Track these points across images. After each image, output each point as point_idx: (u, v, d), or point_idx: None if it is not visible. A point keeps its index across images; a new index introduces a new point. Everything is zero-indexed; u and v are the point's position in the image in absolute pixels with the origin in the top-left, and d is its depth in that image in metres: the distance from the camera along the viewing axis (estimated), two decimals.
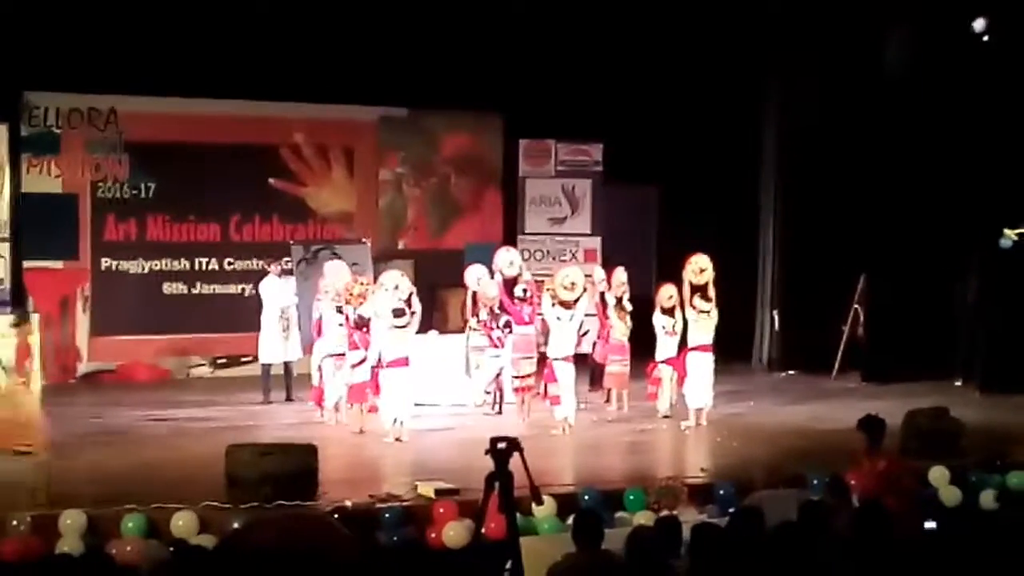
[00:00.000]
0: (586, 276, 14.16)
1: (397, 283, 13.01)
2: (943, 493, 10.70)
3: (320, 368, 13.69)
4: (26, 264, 16.37)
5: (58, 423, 12.51)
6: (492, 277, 14.41)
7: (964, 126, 16.51)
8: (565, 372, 13.11)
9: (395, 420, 12.58)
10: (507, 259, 14.59)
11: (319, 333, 13.83)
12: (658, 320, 13.91)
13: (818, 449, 12.14)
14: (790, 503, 7.80)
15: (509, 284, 14.27)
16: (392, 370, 12.61)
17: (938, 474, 10.91)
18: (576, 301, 13.26)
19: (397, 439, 12.52)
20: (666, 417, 13.79)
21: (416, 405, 13.73)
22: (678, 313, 13.85)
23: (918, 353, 16.37)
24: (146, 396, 15.46)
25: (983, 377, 16.02)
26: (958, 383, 16.28)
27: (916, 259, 16.79)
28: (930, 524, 7.39)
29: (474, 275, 14.69)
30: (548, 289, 13.49)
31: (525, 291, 13.92)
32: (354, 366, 13.09)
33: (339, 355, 13.39)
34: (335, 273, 13.73)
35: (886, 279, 17.04)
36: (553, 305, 13.26)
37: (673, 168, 18.55)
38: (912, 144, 16.71)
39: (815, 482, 10.33)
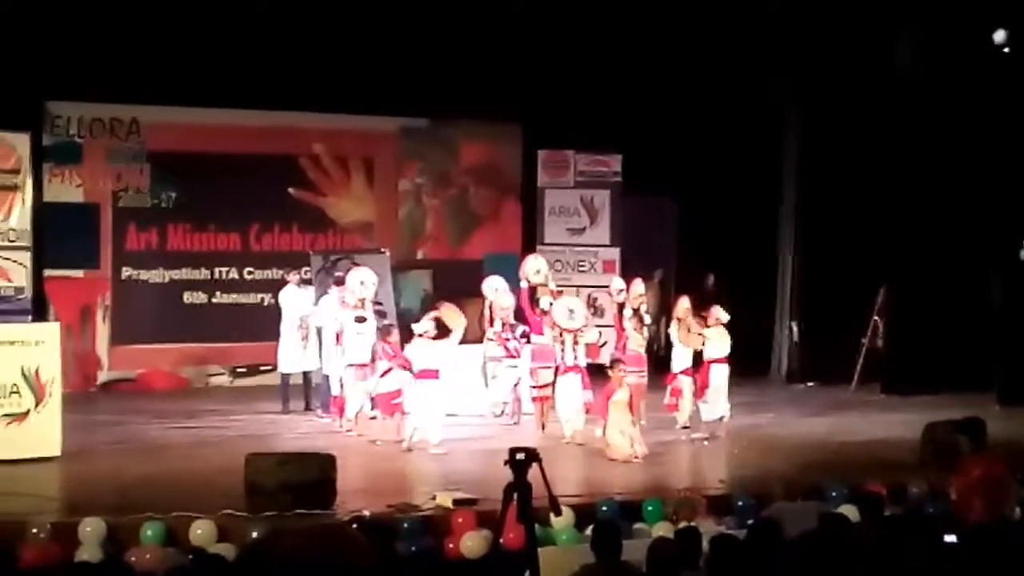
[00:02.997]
0: (604, 287, 14.15)
1: (362, 279, 13.19)
2: None
3: (341, 378, 13.68)
4: (47, 273, 16.43)
5: (78, 431, 12.55)
6: (519, 284, 14.39)
7: (983, 136, 16.48)
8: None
9: (415, 431, 12.57)
10: (534, 267, 14.56)
11: (338, 342, 13.84)
12: (674, 331, 13.90)
13: (837, 461, 12.12)
14: (809, 515, 7.78)
15: (533, 292, 14.27)
16: (421, 382, 12.64)
17: None
18: (580, 329, 13.31)
19: (408, 449, 12.48)
20: (685, 428, 13.76)
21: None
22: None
23: (938, 365, 16.30)
24: (165, 405, 15.50)
25: (1002, 389, 15.94)
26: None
27: (936, 270, 16.74)
28: (950, 538, 7.34)
29: (491, 286, 14.69)
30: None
31: (551, 304, 13.99)
32: (382, 375, 13.11)
33: (361, 365, 13.42)
34: (358, 281, 13.74)
35: (906, 290, 16.98)
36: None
37: (692, 179, 18.54)
38: (932, 155, 16.66)
39: (834, 494, 10.32)
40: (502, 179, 19.20)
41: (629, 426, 12.27)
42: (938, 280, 16.73)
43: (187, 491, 10.43)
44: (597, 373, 13.55)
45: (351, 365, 13.47)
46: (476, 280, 15.45)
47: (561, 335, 13.35)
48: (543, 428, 13.60)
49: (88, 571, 7.50)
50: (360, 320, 13.40)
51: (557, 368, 13.57)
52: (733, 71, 17.37)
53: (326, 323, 14.39)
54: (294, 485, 9.74)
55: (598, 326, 14.79)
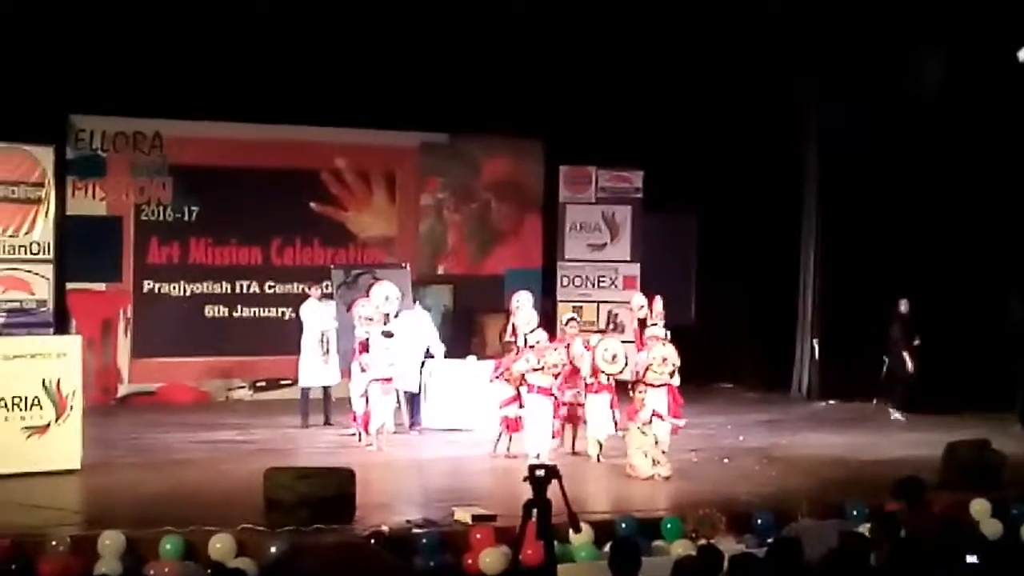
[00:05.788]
0: (624, 303, 14.09)
1: (387, 294, 13.34)
2: (984, 526, 10.59)
3: (365, 393, 13.64)
4: (69, 286, 16.50)
5: (98, 444, 12.59)
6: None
7: (1004, 147, 16.41)
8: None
9: (537, 453, 12.33)
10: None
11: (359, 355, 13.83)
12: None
13: (858, 480, 12.06)
14: (830, 534, 7.75)
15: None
16: (534, 397, 12.63)
17: (979, 507, 10.81)
18: (620, 372, 13.14)
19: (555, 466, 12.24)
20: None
21: (453, 430, 13.77)
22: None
23: (960, 383, 16.22)
24: (186, 418, 15.54)
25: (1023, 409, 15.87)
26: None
27: (959, 288, 16.67)
28: (971, 558, 7.29)
29: (515, 301, 14.42)
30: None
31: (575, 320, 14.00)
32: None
33: (386, 379, 13.44)
34: (382, 296, 13.75)
35: (929, 308, 16.90)
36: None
37: (713, 196, 18.53)
38: (953, 172, 16.61)
39: (855, 513, 10.27)
40: (523, 194, 19.22)
41: (652, 447, 12.22)
42: (961, 297, 16.65)
43: (206, 505, 10.45)
44: (619, 389, 13.48)
45: (376, 380, 13.46)
46: (497, 295, 15.45)
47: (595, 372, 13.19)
48: (572, 445, 13.49)
49: None
50: (387, 335, 13.42)
51: (585, 385, 13.48)
52: (754, 87, 17.35)
53: (342, 333, 14.43)
54: (313, 500, 9.74)
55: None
